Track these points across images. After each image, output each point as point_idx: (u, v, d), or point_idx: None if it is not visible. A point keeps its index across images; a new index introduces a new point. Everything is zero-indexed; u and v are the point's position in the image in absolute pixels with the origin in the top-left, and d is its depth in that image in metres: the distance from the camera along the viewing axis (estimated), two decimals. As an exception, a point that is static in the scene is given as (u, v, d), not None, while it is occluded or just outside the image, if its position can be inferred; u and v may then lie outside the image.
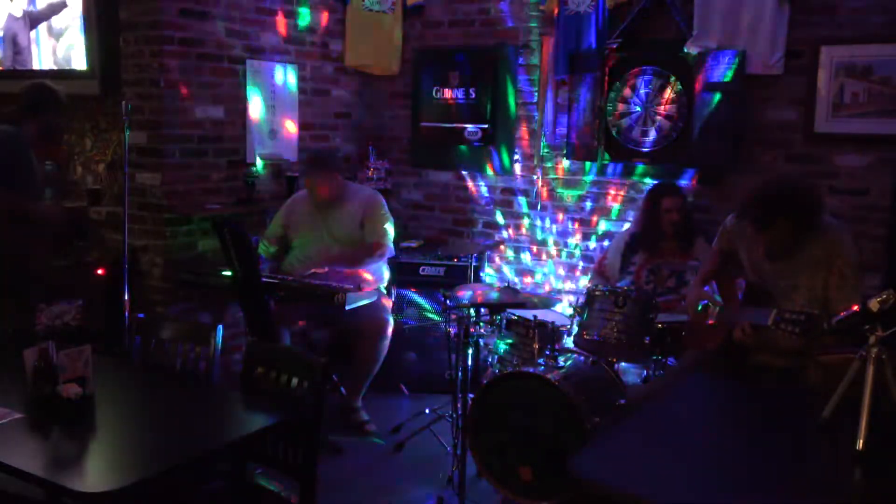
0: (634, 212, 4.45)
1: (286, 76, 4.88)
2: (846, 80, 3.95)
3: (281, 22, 4.82)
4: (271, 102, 4.80)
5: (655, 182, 4.29)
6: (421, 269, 4.77)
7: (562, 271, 4.90)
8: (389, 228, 4.36)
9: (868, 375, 1.98)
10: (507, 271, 5.07)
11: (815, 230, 2.84)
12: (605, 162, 4.65)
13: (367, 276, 4.35)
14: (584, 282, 4.59)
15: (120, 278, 3.97)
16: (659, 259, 3.99)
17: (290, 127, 4.96)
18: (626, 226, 4.46)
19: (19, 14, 4.69)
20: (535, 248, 4.98)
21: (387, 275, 4.52)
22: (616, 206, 4.69)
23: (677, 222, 3.95)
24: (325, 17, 5.12)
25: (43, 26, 4.63)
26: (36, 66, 4.71)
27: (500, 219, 5.09)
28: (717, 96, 4.19)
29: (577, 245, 4.84)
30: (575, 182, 4.80)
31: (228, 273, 4.00)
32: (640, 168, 4.56)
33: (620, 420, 3.08)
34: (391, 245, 4.36)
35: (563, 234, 4.87)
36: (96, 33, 4.34)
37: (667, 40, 4.36)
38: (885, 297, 1.98)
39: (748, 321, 2.84)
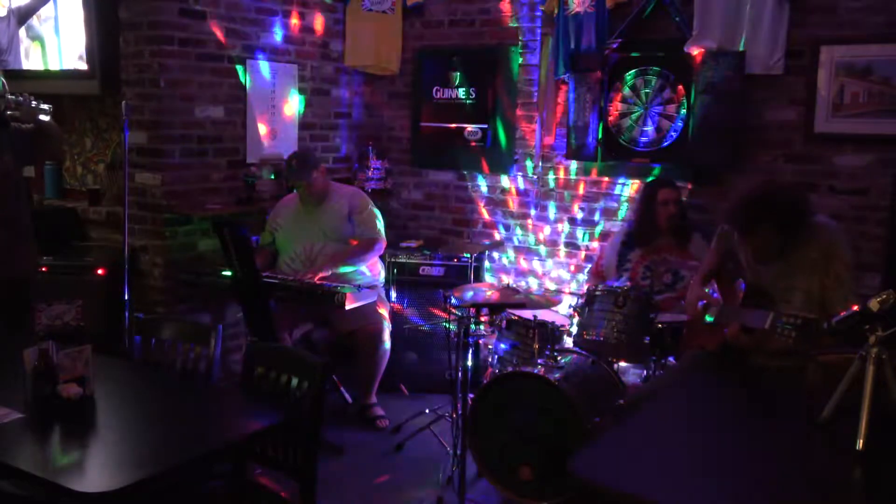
0: (631, 210, 4.46)
1: (286, 76, 4.88)
2: (846, 80, 3.95)
3: (280, 22, 4.82)
4: (271, 102, 4.80)
5: (651, 179, 4.30)
6: (421, 269, 4.77)
7: (562, 271, 4.90)
8: (380, 220, 4.43)
9: (868, 375, 1.98)
10: (508, 271, 5.07)
11: (803, 233, 2.85)
12: (605, 162, 4.65)
13: (368, 275, 4.37)
14: (584, 282, 4.58)
15: (120, 278, 3.98)
16: (655, 255, 3.99)
17: (290, 127, 4.96)
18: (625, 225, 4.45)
19: (3, 13, 4.65)
20: (534, 248, 4.98)
21: (382, 272, 4.55)
22: (616, 206, 4.69)
23: (674, 215, 3.95)
24: (324, 17, 5.12)
25: (44, 26, 4.61)
26: (26, 65, 4.67)
27: (499, 219, 5.09)
28: (717, 96, 4.19)
29: (577, 245, 4.83)
30: (575, 182, 4.80)
31: (228, 273, 4.00)
32: (640, 168, 4.56)
33: (620, 420, 3.08)
34: (384, 237, 4.43)
35: (563, 234, 4.87)
36: (96, 33, 4.34)
37: (667, 40, 4.36)
38: (885, 297, 1.98)
39: (742, 322, 2.85)
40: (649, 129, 4.46)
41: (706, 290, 3.19)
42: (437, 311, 4.64)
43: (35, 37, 4.66)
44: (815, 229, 2.89)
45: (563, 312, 4.09)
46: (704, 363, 3.12)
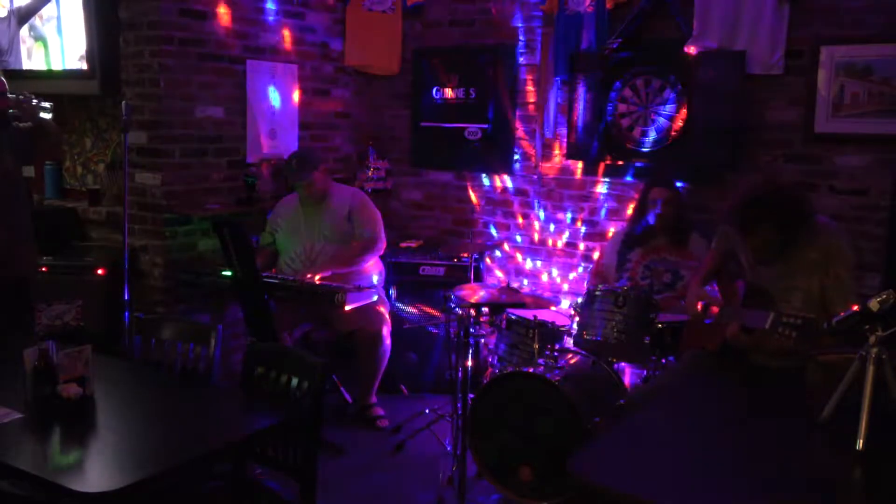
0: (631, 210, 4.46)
1: (286, 76, 4.88)
2: (846, 80, 3.95)
3: (281, 22, 4.82)
4: (271, 102, 4.80)
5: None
6: (421, 269, 4.77)
7: (562, 271, 4.90)
8: (380, 221, 4.44)
9: (868, 375, 1.98)
10: (507, 271, 5.07)
11: (804, 234, 2.85)
12: (605, 162, 4.65)
13: (368, 275, 4.37)
14: (584, 282, 4.59)
15: (120, 278, 3.97)
16: (654, 255, 3.99)
17: (290, 127, 4.96)
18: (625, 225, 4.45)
19: (3, 14, 4.65)
20: (534, 248, 4.98)
21: (382, 272, 4.56)
22: (616, 206, 4.69)
23: (664, 215, 3.95)
24: (325, 17, 5.12)
25: (47, 26, 4.60)
26: (28, 65, 4.67)
27: (499, 219, 5.09)
28: (717, 96, 4.19)
29: (576, 245, 4.84)
30: (575, 182, 4.80)
31: (228, 273, 4.00)
32: (640, 168, 4.56)
33: (620, 420, 3.08)
34: (384, 237, 4.44)
35: (563, 234, 4.87)
36: (96, 33, 4.34)
37: (667, 40, 4.36)
38: (885, 297, 1.98)
39: (743, 322, 2.85)
40: (649, 129, 4.46)
41: (706, 290, 3.19)
42: (437, 311, 4.64)
43: (38, 37, 4.66)
44: (815, 230, 2.89)
45: (563, 312, 4.09)
46: (704, 363, 3.11)
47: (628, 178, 4.63)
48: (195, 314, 4.38)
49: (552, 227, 4.90)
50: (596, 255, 4.63)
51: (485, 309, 3.72)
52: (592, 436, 3.12)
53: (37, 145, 3.61)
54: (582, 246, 4.81)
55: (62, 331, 3.99)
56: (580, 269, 4.81)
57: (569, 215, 4.84)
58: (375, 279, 4.45)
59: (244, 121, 4.66)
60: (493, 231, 5.12)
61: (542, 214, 4.93)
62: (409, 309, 4.78)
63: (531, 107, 4.89)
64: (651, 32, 4.43)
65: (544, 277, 4.95)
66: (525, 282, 4.99)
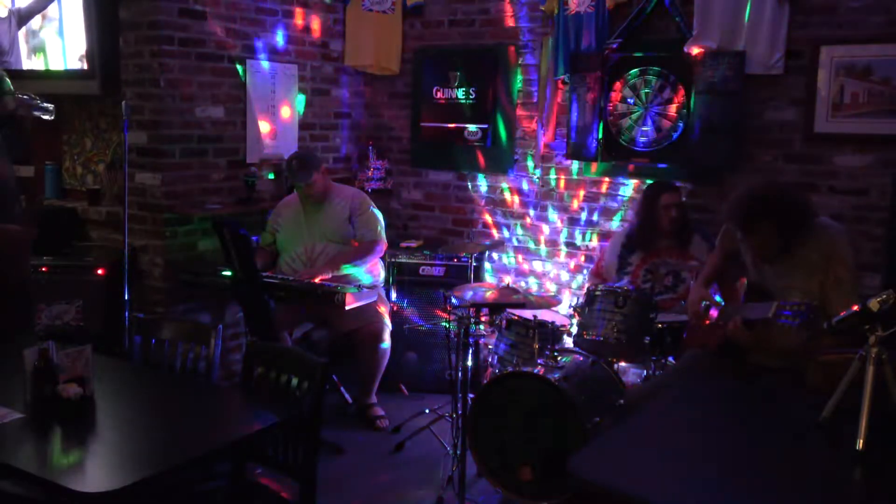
0: (632, 211, 4.45)
1: (286, 76, 4.88)
2: (846, 80, 3.95)
3: (281, 22, 4.83)
4: (271, 102, 4.80)
5: (652, 181, 4.30)
6: (421, 269, 4.78)
7: (562, 271, 4.90)
8: (381, 222, 4.44)
9: (868, 375, 1.98)
10: (508, 271, 5.07)
11: (803, 233, 2.85)
12: (605, 162, 4.65)
13: (368, 275, 4.37)
14: (584, 282, 4.59)
15: (120, 278, 3.98)
16: (656, 258, 3.99)
17: (290, 127, 4.96)
18: (625, 226, 4.46)
19: (4, 14, 4.65)
20: (534, 248, 4.98)
21: (383, 272, 4.56)
22: (616, 206, 4.69)
23: (675, 219, 3.95)
24: (324, 18, 5.12)
25: (46, 27, 4.61)
26: (28, 65, 4.67)
27: (499, 219, 5.09)
28: (717, 96, 4.19)
29: (577, 245, 4.84)
30: (575, 182, 4.80)
31: (228, 273, 4.00)
32: (640, 168, 4.56)
33: (620, 420, 3.08)
34: (385, 238, 4.45)
35: (563, 234, 4.87)
36: (96, 33, 4.34)
37: (667, 40, 4.37)
38: (885, 297, 1.98)
39: (744, 316, 2.85)
40: (649, 129, 4.46)
41: (708, 291, 3.19)
42: (437, 311, 4.64)
43: (38, 37, 4.65)
44: (816, 230, 2.89)
45: (563, 312, 4.09)
46: (704, 363, 3.12)
47: (628, 178, 4.63)
48: (195, 314, 4.38)
49: (552, 227, 4.90)
50: (597, 255, 4.63)
51: (485, 309, 3.71)
52: (592, 436, 3.12)
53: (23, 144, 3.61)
54: (582, 246, 4.81)
55: (62, 331, 3.99)
56: (580, 269, 4.81)
57: (568, 215, 4.84)
58: (375, 279, 4.45)
59: (244, 121, 4.66)
60: (493, 231, 5.12)
61: (541, 214, 4.93)
62: (409, 309, 4.78)
63: (531, 107, 4.89)
64: (651, 32, 4.44)
65: (544, 277, 4.95)
66: (525, 282, 4.99)
